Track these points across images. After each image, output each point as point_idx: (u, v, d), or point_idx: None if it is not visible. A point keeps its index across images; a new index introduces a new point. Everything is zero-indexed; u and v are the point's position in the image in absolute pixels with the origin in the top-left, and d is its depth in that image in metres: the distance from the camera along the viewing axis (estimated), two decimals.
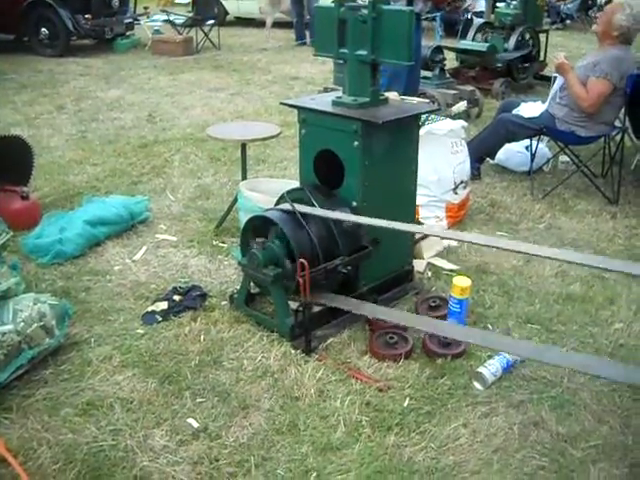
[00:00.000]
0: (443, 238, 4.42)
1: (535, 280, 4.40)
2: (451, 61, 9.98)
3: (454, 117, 5.93)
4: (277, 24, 15.52)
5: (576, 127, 5.73)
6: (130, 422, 3.11)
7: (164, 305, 3.99)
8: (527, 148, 6.15)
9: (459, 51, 9.95)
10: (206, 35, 13.77)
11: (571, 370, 3.47)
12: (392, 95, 4.22)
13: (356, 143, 3.64)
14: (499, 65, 9.64)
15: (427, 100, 5.65)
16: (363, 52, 3.69)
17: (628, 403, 3.29)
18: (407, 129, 3.92)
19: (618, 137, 5.87)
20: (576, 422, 3.16)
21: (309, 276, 3.41)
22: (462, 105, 7.41)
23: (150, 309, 3.98)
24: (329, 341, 3.69)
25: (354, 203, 3.74)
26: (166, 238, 4.93)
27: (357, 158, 3.67)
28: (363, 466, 2.87)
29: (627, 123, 5.86)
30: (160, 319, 3.89)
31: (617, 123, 5.88)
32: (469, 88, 8.48)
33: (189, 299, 4.04)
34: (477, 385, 3.37)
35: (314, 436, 3.04)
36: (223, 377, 3.42)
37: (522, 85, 9.98)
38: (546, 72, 10.04)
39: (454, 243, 4.76)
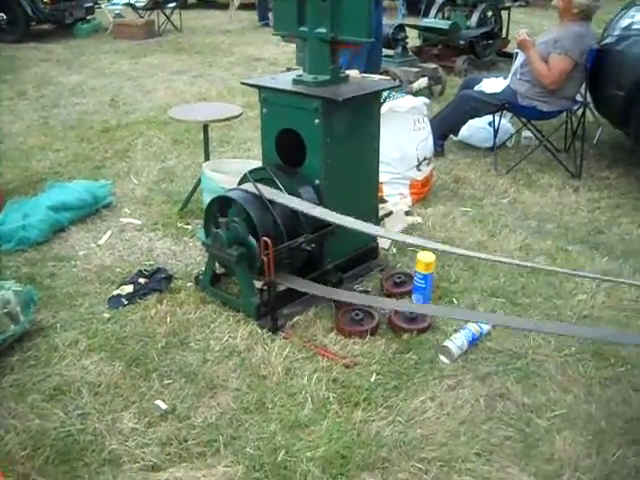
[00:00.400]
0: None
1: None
2: (414, 39, 10.00)
3: (416, 94, 5.94)
4: (239, 5, 15.44)
5: (538, 102, 5.78)
6: (98, 406, 3.10)
7: (130, 288, 3.97)
8: (490, 124, 6.20)
9: (421, 29, 9.96)
10: (168, 18, 13.68)
11: (536, 342, 3.53)
12: (353, 73, 4.20)
13: (317, 121, 3.63)
14: (462, 43, 9.69)
15: (388, 77, 5.64)
16: (322, 30, 3.67)
17: (592, 372, 3.34)
18: (368, 106, 3.92)
19: (580, 111, 5.92)
20: (541, 392, 3.21)
21: (273, 255, 3.41)
22: (423, 82, 7.43)
23: (116, 293, 3.96)
24: (295, 319, 3.70)
25: (317, 181, 3.74)
26: (130, 222, 4.91)
27: (318, 136, 3.66)
28: (331, 442, 2.88)
29: (588, 98, 5.91)
30: (126, 302, 3.87)
31: (579, 97, 5.92)
32: (432, 66, 8.51)
33: (154, 281, 4.03)
34: (443, 359, 3.39)
35: (282, 414, 3.05)
36: (190, 358, 3.42)
37: (485, 62, 10.03)
38: (509, 49, 10.10)
39: (419, 219, 4.78)
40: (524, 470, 2.79)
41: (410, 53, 8.88)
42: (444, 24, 9.52)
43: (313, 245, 3.63)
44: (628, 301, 3.97)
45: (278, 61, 10.65)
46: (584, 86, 5.82)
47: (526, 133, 6.40)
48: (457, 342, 3.41)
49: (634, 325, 3.74)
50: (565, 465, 2.81)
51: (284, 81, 3.90)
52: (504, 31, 10.52)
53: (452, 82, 8.63)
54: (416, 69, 8.17)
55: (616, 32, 5.77)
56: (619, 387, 3.26)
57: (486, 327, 3.57)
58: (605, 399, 3.18)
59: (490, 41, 10.13)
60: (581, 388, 3.24)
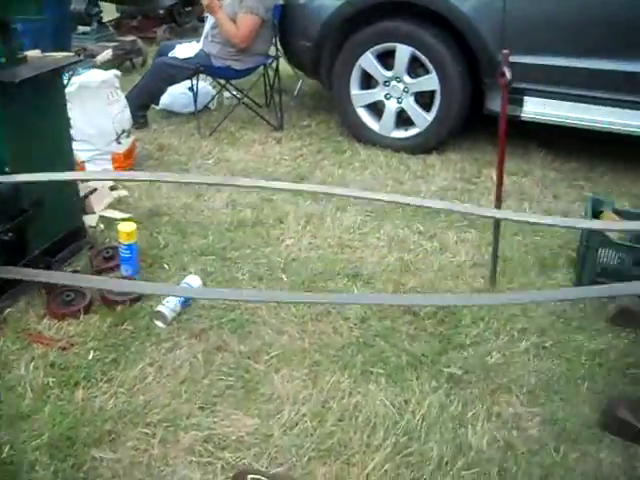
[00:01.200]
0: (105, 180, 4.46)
1: (207, 213, 4.53)
2: (112, 13, 9.81)
3: (105, 67, 5.89)
4: None
5: (231, 61, 5.92)
6: None
7: None
8: (190, 89, 6.24)
9: (116, 2, 9.78)
10: None
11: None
12: (32, 53, 4.09)
13: None
14: (161, 12, 9.62)
15: (73, 54, 5.53)
16: None
17: (304, 310, 3.53)
18: (50, 84, 3.82)
19: (275, 65, 6.12)
20: (257, 338, 3.35)
21: None
22: (107, 54, 7.35)
23: None
24: (6, 312, 3.57)
25: (6, 169, 3.61)
26: None
27: None
28: (55, 426, 2.85)
29: (280, 52, 6.13)
30: None
31: (272, 52, 6.12)
32: (130, 38, 8.40)
33: None
34: (159, 324, 3.43)
35: (3, 410, 2.97)
36: None
37: (186, 29, 9.99)
38: None
39: (124, 192, 4.76)
40: (247, 413, 2.91)
41: (109, 28, 8.73)
42: None
43: (11, 234, 3.53)
44: (332, 238, 4.21)
45: None
46: (275, 41, 6.03)
47: (227, 93, 6.53)
48: (170, 305, 3.46)
49: (340, 260, 3.99)
50: (285, 401, 2.96)
51: None
52: None
53: (154, 52, 8.57)
54: (114, 43, 8.04)
55: None
56: (330, 319, 3.48)
57: (196, 286, 3.65)
58: (318, 333, 3.39)
59: (189, 8, 10.14)
60: (294, 327, 3.42)
